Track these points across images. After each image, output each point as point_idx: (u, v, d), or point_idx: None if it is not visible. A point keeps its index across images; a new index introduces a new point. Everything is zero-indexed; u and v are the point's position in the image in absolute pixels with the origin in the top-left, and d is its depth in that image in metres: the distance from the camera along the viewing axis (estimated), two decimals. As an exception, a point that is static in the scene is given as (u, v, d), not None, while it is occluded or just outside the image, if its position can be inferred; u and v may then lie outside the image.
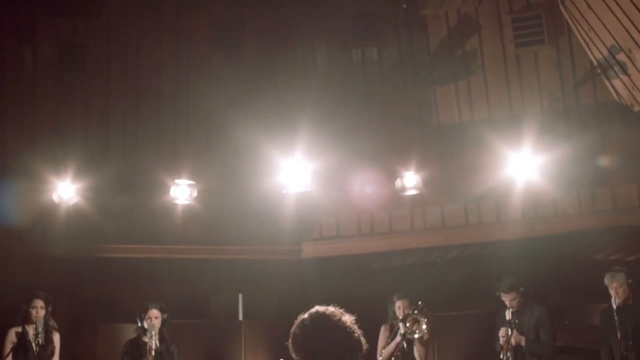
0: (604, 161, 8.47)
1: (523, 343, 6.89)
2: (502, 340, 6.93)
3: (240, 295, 11.55)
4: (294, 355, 3.41)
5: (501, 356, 6.93)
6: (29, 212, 8.33)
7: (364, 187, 8.58)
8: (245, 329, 11.19)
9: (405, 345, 7.34)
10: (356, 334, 3.43)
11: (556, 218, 8.59)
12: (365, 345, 3.41)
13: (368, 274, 10.16)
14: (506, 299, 7.04)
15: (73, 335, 9.37)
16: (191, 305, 10.55)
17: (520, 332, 6.97)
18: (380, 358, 7.48)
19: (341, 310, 3.45)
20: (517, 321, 6.92)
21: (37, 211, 8.34)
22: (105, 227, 8.59)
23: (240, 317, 11.59)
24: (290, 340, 3.39)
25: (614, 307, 6.82)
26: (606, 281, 7.05)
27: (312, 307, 3.46)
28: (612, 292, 6.96)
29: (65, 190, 8.32)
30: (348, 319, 3.43)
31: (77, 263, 8.87)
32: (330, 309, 3.43)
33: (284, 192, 8.56)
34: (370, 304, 8.29)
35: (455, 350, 9.52)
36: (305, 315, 3.43)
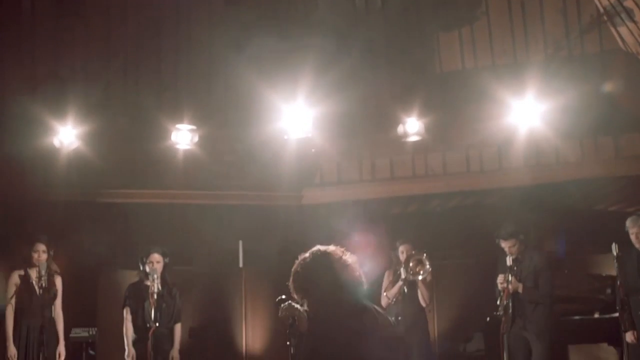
0: (607, 110, 8.36)
1: (520, 290, 6.88)
2: (500, 287, 6.92)
3: (240, 242, 11.61)
4: (294, 295, 3.42)
5: (498, 302, 6.93)
6: (29, 157, 8.28)
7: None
8: (245, 276, 11.26)
9: (406, 289, 7.38)
10: (357, 272, 3.45)
11: (558, 166, 8.57)
12: (365, 285, 3.46)
13: (368, 222, 10.17)
14: (505, 245, 7.00)
15: (73, 282, 9.37)
16: (191, 252, 10.66)
17: (519, 279, 6.94)
18: (383, 303, 7.47)
19: (342, 249, 3.49)
20: (515, 268, 6.90)
21: (38, 156, 8.27)
22: (106, 172, 8.54)
23: (241, 265, 11.67)
24: (291, 279, 3.42)
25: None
26: (628, 224, 7.06)
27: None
28: (632, 237, 7.00)
29: (66, 135, 8.25)
30: (349, 257, 3.47)
31: (77, 208, 8.84)
32: (332, 247, 3.48)
33: (285, 137, 8.52)
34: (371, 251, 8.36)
35: (454, 298, 9.77)
36: (307, 254, 3.47)
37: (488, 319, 8.63)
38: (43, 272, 6.90)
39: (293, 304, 3.37)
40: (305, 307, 3.43)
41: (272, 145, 8.58)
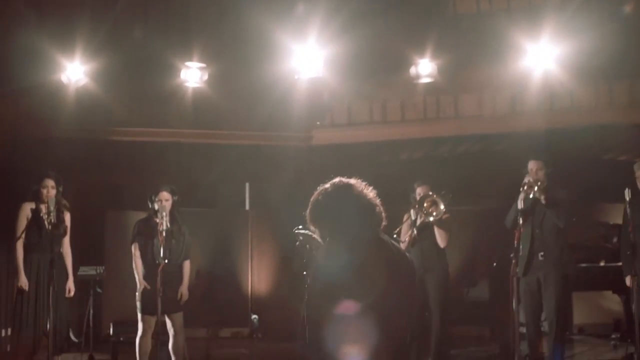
0: (624, 54, 8.18)
1: (543, 200, 6.75)
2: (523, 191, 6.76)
3: (247, 184, 11.58)
4: (312, 226, 3.34)
5: (520, 205, 6.73)
6: (37, 93, 8.17)
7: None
8: (252, 218, 11.28)
9: (415, 230, 7.32)
10: (378, 207, 3.38)
11: (572, 110, 8.45)
12: (384, 221, 3.38)
13: (376, 166, 10.11)
14: (533, 166, 6.87)
15: (81, 221, 9.31)
16: (198, 193, 10.61)
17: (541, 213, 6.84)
18: (402, 246, 7.34)
19: (364, 183, 3.40)
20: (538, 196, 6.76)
21: (45, 92, 8.16)
22: (114, 110, 8.46)
23: (247, 207, 11.66)
24: (309, 209, 3.34)
25: None
26: (635, 168, 7.00)
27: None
28: (638, 183, 6.92)
29: (74, 72, 8.13)
30: (371, 191, 3.39)
31: (85, 146, 8.79)
32: (353, 180, 3.39)
33: (295, 77, 8.40)
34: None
35: (461, 244, 9.64)
36: (327, 185, 3.37)
37: (495, 264, 8.82)
38: (52, 208, 6.83)
39: (310, 233, 3.30)
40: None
41: (282, 84, 8.45)
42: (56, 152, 8.30)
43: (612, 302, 9.46)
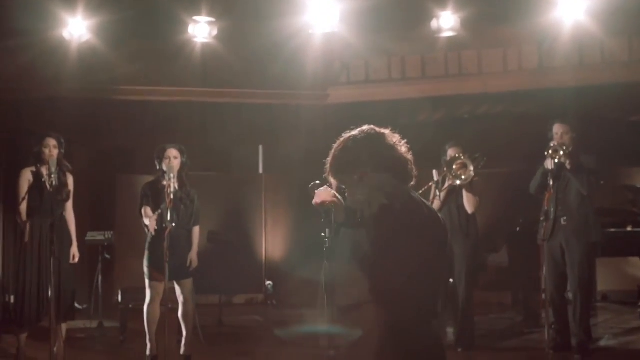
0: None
1: (568, 166, 6.51)
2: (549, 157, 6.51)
3: (260, 147, 11.27)
4: (336, 178, 3.06)
5: (548, 166, 6.49)
6: (38, 50, 7.84)
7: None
8: (265, 182, 10.98)
9: (438, 192, 6.99)
10: (411, 163, 3.11)
11: (603, 66, 8.09)
12: (414, 180, 3.11)
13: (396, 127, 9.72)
14: (558, 130, 6.61)
15: (88, 185, 9.17)
16: (211, 156, 10.40)
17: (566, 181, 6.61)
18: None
19: (397, 135, 3.13)
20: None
21: (47, 49, 7.83)
22: (119, 68, 8.18)
23: (261, 170, 11.38)
24: (332, 158, 3.05)
25: None
26: None
27: None
28: None
29: (76, 27, 7.74)
30: (404, 144, 3.11)
31: (90, 107, 8.52)
32: (385, 129, 3.13)
33: (310, 32, 8.00)
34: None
35: (483, 210, 9.05)
36: (355, 132, 3.08)
37: (518, 228, 8.77)
38: (53, 169, 6.48)
39: (330, 189, 2.97)
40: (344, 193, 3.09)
41: (296, 40, 8.10)
42: (60, 112, 8.02)
43: (637, 268, 9.37)
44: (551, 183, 6.39)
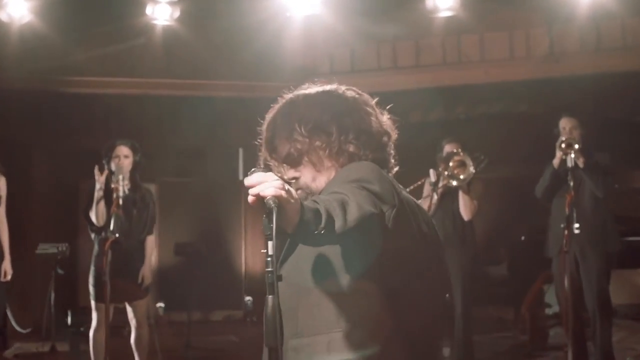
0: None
1: (581, 164, 5.90)
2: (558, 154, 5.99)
3: (240, 150, 10.49)
4: (277, 153, 2.30)
5: (568, 164, 5.92)
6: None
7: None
8: (245, 188, 10.21)
9: (435, 195, 6.22)
10: (393, 134, 2.34)
11: (624, 51, 7.30)
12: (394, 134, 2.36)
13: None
14: (566, 125, 6.01)
15: (33, 192, 8.53)
16: (185, 161, 9.88)
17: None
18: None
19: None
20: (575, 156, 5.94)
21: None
22: (68, 55, 7.36)
23: (241, 176, 10.59)
24: (271, 120, 2.32)
25: None
26: None
27: None
28: None
29: (16, 7, 6.85)
30: (385, 115, 2.38)
31: (33, 99, 7.69)
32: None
33: (288, 15, 7.32)
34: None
35: (485, 216, 8.55)
36: (310, 89, 2.37)
37: (523, 237, 8.43)
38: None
39: (276, 176, 1.97)
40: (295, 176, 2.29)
41: (271, 24, 7.39)
42: (4, 108, 7.10)
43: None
44: (572, 183, 5.76)
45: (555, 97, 7.78)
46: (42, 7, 6.91)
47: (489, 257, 9.54)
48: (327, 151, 2.22)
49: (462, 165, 6.21)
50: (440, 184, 6.29)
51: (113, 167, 5.82)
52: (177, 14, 7.18)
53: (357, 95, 2.34)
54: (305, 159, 2.25)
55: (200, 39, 7.50)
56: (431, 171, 6.27)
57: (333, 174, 2.26)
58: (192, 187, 9.96)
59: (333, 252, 2.07)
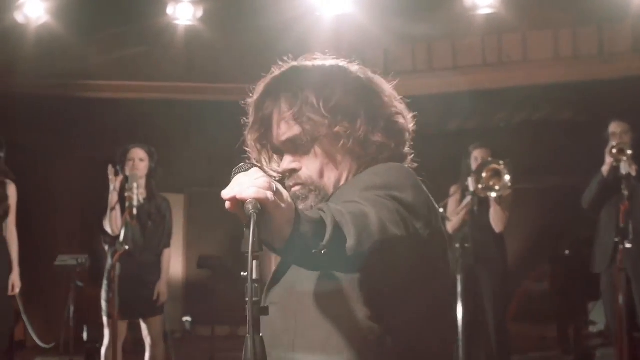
0: None
1: (634, 172, 5.54)
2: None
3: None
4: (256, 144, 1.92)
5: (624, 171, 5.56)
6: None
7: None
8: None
9: (476, 208, 5.80)
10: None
11: None
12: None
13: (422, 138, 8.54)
14: (616, 129, 5.68)
15: (53, 201, 8.30)
16: (214, 170, 9.07)
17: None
18: (449, 226, 6.01)
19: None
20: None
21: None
22: (86, 58, 7.09)
23: (277, 184, 10.44)
24: (263, 92, 1.87)
25: None
26: None
27: None
28: None
29: (32, 7, 6.57)
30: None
31: (50, 104, 7.40)
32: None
33: (317, 14, 6.95)
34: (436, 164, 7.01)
35: (521, 231, 8.80)
36: (317, 61, 1.96)
37: (567, 251, 8.18)
38: (-17, 176, 5.31)
39: (263, 173, 1.55)
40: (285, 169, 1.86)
41: (300, 24, 6.98)
42: (10, 111, 6.81)
43: None
44: (626, 193, 5.38)
45: (605, 101, 7.28)
46: (59, 8, 6.64)
47: (530, 272, 9.37)
48: (349, 140, 1.76)
49: (496, 175, 5.82)
50: (470, 194, 5.93)
51: (127, 171, 5.49)
52: (199, 14, 6.89)
53: (376, 77, 1.93)
54: (317, 146, 1.79)
55: (224, 39, 7.18)
56: (470, 180, 5.86)
57: (347, 171, 1.81)
58: (212, 196, 9.68)
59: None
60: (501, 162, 5.85)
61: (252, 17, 7.09)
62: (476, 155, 6.10)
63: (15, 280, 5.67)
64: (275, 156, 1.88)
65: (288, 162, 1.82)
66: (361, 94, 1.84)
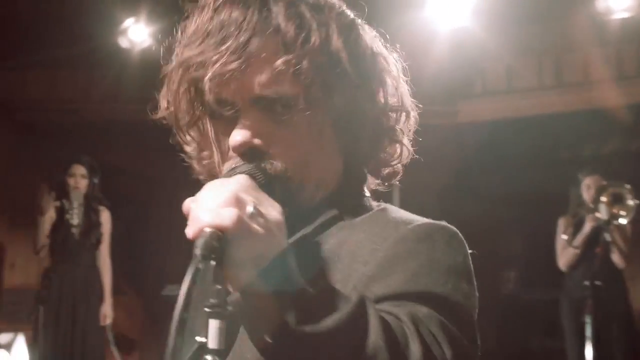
0: None
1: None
2: None
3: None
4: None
5: None
6: (94, 63, 6.50)
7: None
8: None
9: (607, 236, 5.01)
10: None
11: None
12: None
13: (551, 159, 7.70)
14: None
15: (163, 227, 7.83)
16: None
17: None
18: (562, 264, 5.41)
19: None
20: None
21: (104, 61, 6.45)
22: None
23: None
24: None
25: None
26: None
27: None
28: None
29: (136, 32, 6.33)
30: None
31: (162, 133, 6.95)
32: None
33: (432, 28, 6.25)
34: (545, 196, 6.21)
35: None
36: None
37: None
38: (75, 205, 5.03)
39: (238, 185, 1.02)
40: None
41: (414, 39, 6.07)
42: (123, 139, 6.57)
43: None
44: None
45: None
46: (162, 32, 6.39)
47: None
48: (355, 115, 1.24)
49: (618, 201, 5.07)
50: (588, 227, 5.25)
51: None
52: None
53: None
54: (307, 116, 1.19)
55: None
56: (603, 207, 5.05)
57: (335, 161, 1.27)
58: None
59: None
60: (627, 185, 5.13)
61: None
62: (588, 183, 5.47)
63: (107, 310, 5.41)
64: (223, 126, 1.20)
65: (245, 135, 1.17)
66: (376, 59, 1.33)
